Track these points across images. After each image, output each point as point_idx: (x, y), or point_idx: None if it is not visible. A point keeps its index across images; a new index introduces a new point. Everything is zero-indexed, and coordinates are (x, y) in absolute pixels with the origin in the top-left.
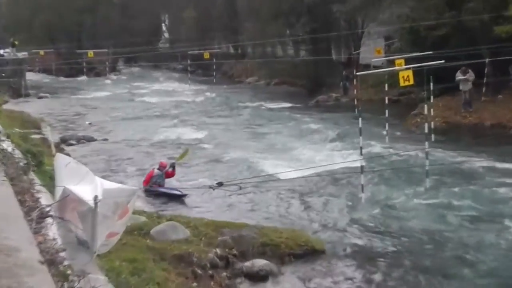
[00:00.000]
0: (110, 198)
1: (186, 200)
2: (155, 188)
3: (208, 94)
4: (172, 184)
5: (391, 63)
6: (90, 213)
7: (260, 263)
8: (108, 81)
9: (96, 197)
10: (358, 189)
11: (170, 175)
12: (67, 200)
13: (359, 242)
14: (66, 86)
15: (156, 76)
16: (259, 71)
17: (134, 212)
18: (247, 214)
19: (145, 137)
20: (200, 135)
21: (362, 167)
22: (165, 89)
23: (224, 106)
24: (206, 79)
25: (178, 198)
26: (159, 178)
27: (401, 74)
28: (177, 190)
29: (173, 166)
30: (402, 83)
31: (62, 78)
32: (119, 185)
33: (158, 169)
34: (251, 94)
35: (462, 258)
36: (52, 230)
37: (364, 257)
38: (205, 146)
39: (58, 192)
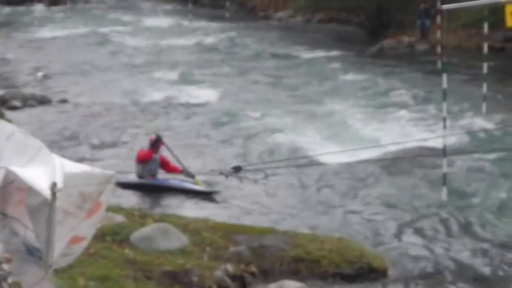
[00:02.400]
0: (75, 186)
1: (184, 193)
2: (163, 180)
3: (218, 36)
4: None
5: None
6: (45, 208)
7: (291, 286)
8: (71, 13)
9: (54, 184)
10: (438, 180)
11: (169, 168)
12: (10, 188)
13: (438, 259)
14: (9, 20)
15: (142, 7)
16: (295, 1)
17: (108, 209)
18: (272, 214)
19: (125, 98)
20: (207, 96)
21: (445, 148)
22: (155, 27)
23: (242, 54)
24: (216, 14)
25: (195, 196)
26: (155, 163)
27: (508, 8)
28: (190, 183)
29: (187, 174)
30: (510, 23)
31: (3, 9)
32: (88, 167)
33: (155, 151)
34: (282, 36)
35: None
36: None
37: (444, 282)
38: (215, 113)
39: None
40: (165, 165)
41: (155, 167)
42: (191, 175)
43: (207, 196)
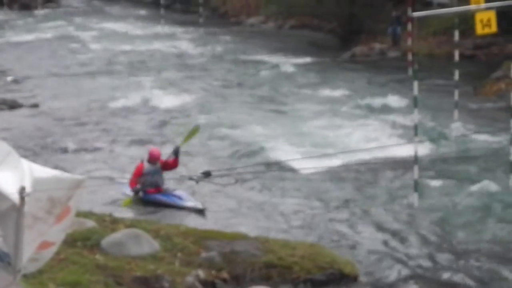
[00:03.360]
0: (44, 191)
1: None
2: (152, 194)
3: (190, 41)
4: None
5: (464, 0)
6: (14, 212)
7: None
8: (40, 17)
9: (22, 189)
10: (410, 187)
11: (171, 165)
12: None
13: (409, 265)
14: None
15: (114, 12)
16: (267, 7)
17: (78, 214)
18: (244, 219)
19: (95, 102)
20: (179, 102)
21: (416, 154)
22: (125, 32)
23: (215, 60)
24: (188, 19)
25: (188, 212)
26: (154, 175)
27: (478, 16)
28: (189, 199)
29: (176, 152)
30: (480, 30)
31: None
32: (57, 172)
33: (150, 161)
34: (254, 42)
35: None
36: None
37: None
38: (186, 118)
39: None
40: (166, 165)
41: (159, 178)
42: (176, 150)
43: (198, 212)
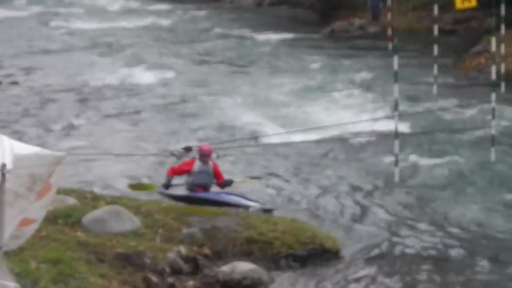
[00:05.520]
0: (24, 168)
1: (137, 175)
2: (202, 193)
3: (169, 18)
4: None
5: None
6: None
7: (243, 267)
8: None
9: (3, 166)
10: (390, 162)
11: (220, 180)
12: None
13: (390, 240)
14: None
15: None
16: None
17: (59, 191)
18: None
19: (75, 79)
20: (158, 78)
21: (396, 129)
22: (104, 8)
23: (194, 36)
24: None
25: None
26: (204, 174)
27: None
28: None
29: (229, 183)
30: (459, 5)
31: None
32: (38, 149)
33: (201, 159)
34: (233, 18)
35: None
36: None
37: (396, 262)
38: (167, 95)
39: None
40: (217, 175)
41: (208, 180)
42: (229, 182)
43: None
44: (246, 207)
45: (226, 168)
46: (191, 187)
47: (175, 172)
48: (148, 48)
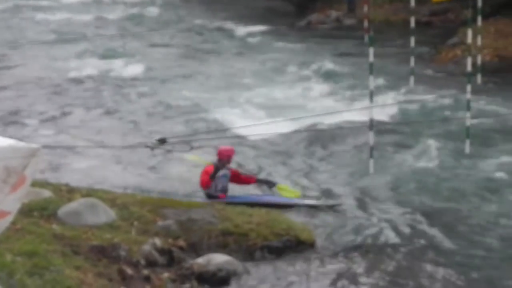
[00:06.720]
0: None
1: (111, 167)
2: (265, 197)
3: (143, 9)
4: None
5: None
6: None
7: (218, 259)
8: None
9: None
10: (365, 153)
11: (244, 181)
12: None
13: (365, 231)
14: None
15: None
16: None
17: (34, 183)
18: (198, 187)
19: (51, 72)
20: (132, 69)
21: (372, 120)
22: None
23: (167, 27)
24: None
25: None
26: (224, 179)
27: None
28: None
29: (268, 183)
30: None
31: None
32: (12, 141)
33: (219, 161)
34: (210, 9)
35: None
36: None
37: (371, 253)
38: (140, 86)
39: None
40: (236, 178)
41: (225, 183)
42: (270, 184)
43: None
44: (313, 206)
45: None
46: (215, 192)
47: (207, 183)
48: (121, 39)
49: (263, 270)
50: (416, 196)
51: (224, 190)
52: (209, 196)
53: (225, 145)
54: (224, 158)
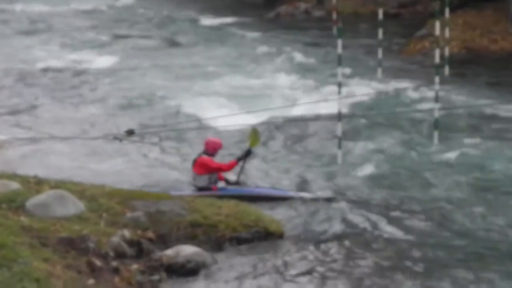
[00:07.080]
0: None
1: (80, 159)
2: (259, 189)
3: (114, 0)
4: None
5: None
6: None
7: (187, 251)
8: None
9: None
10: (333, 144)
11: (223, 169)
12: None
13: (333, 222)
14: None
15: None
16: None
17: (2, 175)
18: (169, 179)
19: (17, 64)
20: (104, 61)
21: (340, 112)
22: None
23: (138, 20)
24: None
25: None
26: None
27: None
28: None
29: (248, 154)
30: None
31: None
32: None
33: (211, 154)
34: (178, 2)
35: (475, 241)
36: None
37: (340, 243)
38: (108, 77)
39: None
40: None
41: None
42: (248, 153)
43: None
44: (310, 199)
45: (168, 153)
46: (208, 184)
47: (228, 166)
48: (94, 31)
49: (232, 261)
50: (384, 186)
51: (216, 181)
52: (200, 189)
53: (213, 137)
54: (210, 149)
